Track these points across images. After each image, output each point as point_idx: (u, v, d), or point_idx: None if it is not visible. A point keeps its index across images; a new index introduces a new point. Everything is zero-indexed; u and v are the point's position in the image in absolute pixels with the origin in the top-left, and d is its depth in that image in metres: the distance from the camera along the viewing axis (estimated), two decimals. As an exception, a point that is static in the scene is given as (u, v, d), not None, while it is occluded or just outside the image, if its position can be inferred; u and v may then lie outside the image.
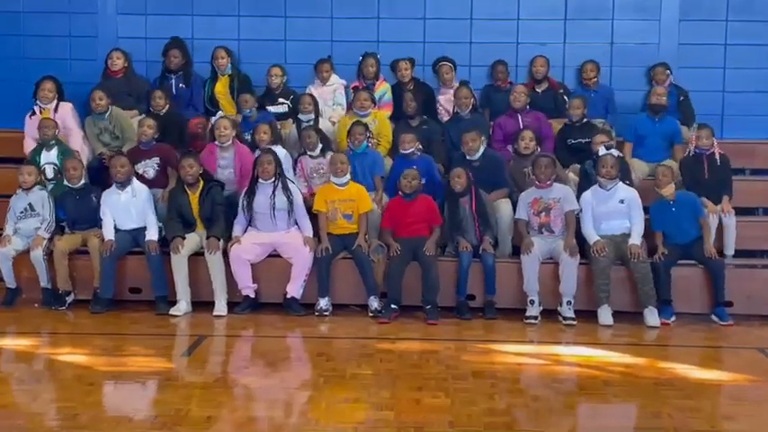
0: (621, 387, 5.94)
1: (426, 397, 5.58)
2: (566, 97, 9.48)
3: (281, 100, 9.38)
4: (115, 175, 8.08)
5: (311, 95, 9.11)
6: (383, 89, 9.48)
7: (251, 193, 7.99)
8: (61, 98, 9.03)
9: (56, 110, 8.94)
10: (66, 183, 8.24)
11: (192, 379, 6.09)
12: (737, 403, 5.74)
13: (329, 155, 8.50)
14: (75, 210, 8.19)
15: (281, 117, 9.25)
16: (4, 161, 9.53)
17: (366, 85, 9.40)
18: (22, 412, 5.38)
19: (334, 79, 9.61)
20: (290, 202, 7.95)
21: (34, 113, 8.95)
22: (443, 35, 9.98)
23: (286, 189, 7.96)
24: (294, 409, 5.56)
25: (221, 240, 7.95)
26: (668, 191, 7.94)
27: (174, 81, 9.50)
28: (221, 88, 9.53)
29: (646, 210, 8.04)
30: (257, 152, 8.31)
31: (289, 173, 8.40)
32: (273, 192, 7.93)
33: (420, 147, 8.53)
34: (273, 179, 7.95)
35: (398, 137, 8.64)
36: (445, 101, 9.53)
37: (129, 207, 8.07)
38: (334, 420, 5.23)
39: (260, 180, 7.97)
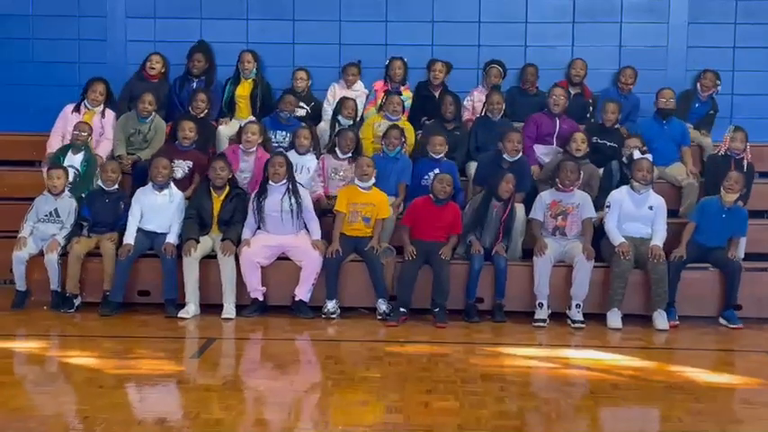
0: (631, 390, 5.93)
1: (435, 400, 5.57)
2: (591, 107, 9.49)
3: (301, 104, 9.39)
4: (156, 177, 8.08)
5: (354, 101, 9.16)
6: (406, 96, 9.49)
7: (262, 195, 8.01)
8: (107, 104, 9.06)
9: (102, 114, 8.98)
10: (99, 183, 8.23)
11: (201, 382, 6.08)
12: (747, 407, 5.72)
13: (357, 159, 8.50)
14: (101, 212, 8.15)
15: (299, 120, 9.26)
16: (14, 164, 9.56)
17: (394, 89, 9.40)
18: (33, 415, 5.38)
19: (359, 86, 9.65)
20: (299, 204, 7.96)
21: (78, 110, 8.96)
22: (452, 38, 10.00)
23: (296, 192, 7.97)
24: (303, 412, 5.56)
25: (235, 244, 7.95)
26: (731, 198, 7.91)
27: (195, 85, 9.51)
28: (242, 91, 9.56)
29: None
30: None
31: (315, 178, 8.49)
32: (284, 195, 7.95)
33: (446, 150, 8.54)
34: (284, 182, 7.96)
35: (429, 137, 8.60)
36: (479, 101, 9.48)
37: (162, 210, 8.06)
38: (344, 423, 5.22)
39: (270, 182, 7.99)
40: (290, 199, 7.95)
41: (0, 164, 9.60)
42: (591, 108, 9.48)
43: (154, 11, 10.18)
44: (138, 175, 8.51)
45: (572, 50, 9.99)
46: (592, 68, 9.77)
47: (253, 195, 8.09)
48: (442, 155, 8.44)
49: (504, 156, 8.31)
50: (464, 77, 9.74)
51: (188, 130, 8.55)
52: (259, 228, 8.08)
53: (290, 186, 7.98)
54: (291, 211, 7.96)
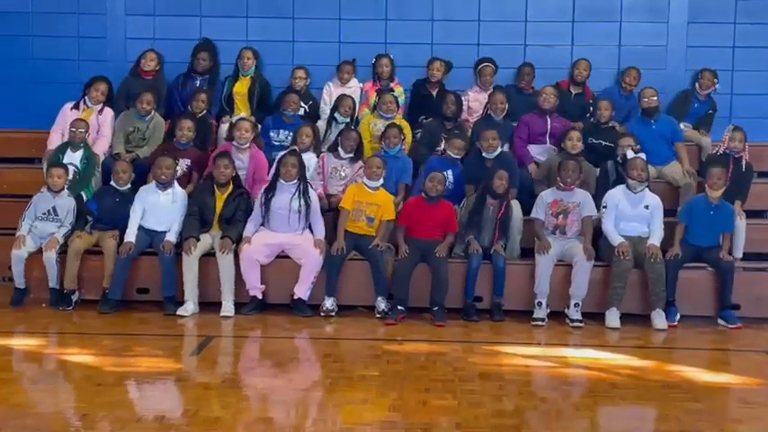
0: (629, 390, 5.93)
1: (434, 398, 5.58)
2: (591, 108, 9.48)
3: (299, 102, 9.37)
4: (159, 176, 8.08)
5: (352, 99, 9.14)
6: (397, 93, 9.49)
7: (270, 192, 8.01)
8: (107, 102, 9.06)
9: (100, 112, 8.98)
10: (112, 183, 8.19)
11: (199, 379, 6.09)
12: (745, 406, 5.72)
13: (368, 159, 8.46)
14: (110, 210, 8.13)
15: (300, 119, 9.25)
16: (14, 161, 9.56)
17: (384, 87, 9.41)
18: (32, 412, 5.39)
19: (353, 83, 9.64)
20: (308, 206, 7.97)
21: (77, 108, 8.96)
22: (451, 37, 9.99)
23: (306, 193, 7.99)
24: (301, 410, 5.56)
25: (234, 242, 7.95)
26: (717, 194, 7.94)
27: (199, 83, 9.51)
28: (241, 89, 9.54)
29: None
30: (280, 153, 8.37)
31: (314, 176, 8.49)
32: (294, 194, 7.95)
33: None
34: (295, 181, 7.97)
35: (433, 136, 8.61)
36: (474, 100, 9.50)
37: (165, 209, 8.05)
38: (342, 421, 5.23)
39: (281, 180, 7.99)
40: (299, 199, 7.96)
41: (-1, 161, 9.63)
42: (591, 108, 9.47)
43: (153, 8, 10.17)
44: (137, 173, 8.49)
45: (572, 50, 9.99)
46: (592, 68, 9.76)
47: (261, 191, 8.09)
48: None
49: (484, 154, 8.32)
50: (463, 76, 9.72)
51: (186, 129, 8.55)
52: (263, 224, 8.08)
53: (301, 187, 7.98)
54: (299, 211, 7.97)
